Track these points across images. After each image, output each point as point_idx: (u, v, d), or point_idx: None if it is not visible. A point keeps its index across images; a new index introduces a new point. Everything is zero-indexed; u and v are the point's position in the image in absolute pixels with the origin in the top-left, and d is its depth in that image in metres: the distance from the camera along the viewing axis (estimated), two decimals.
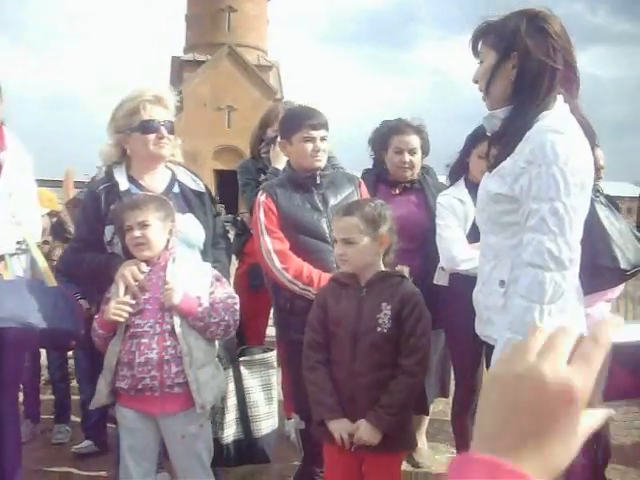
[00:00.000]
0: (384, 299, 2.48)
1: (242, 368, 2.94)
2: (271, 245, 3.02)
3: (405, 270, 2.59)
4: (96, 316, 2.69)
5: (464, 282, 3.23)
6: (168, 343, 2.52)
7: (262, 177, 4.16)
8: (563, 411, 0.61)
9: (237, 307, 2.69)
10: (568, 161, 1.91)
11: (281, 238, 3.05)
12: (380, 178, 3.75)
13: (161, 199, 2.70)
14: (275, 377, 3.00)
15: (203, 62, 38.91)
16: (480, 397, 0.66)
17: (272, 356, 3.02)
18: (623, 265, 2.42)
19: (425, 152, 3.76)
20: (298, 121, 3.15)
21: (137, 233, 2.58)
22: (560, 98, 2.05)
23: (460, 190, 3.46)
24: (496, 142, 2.16)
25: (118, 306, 2.53)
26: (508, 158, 2.05)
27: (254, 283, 4.01)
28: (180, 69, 39.75)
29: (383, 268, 2.58)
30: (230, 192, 20.12)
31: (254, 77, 39.80)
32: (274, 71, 42.26)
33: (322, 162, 3.15)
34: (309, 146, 3.10)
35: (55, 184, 7.54)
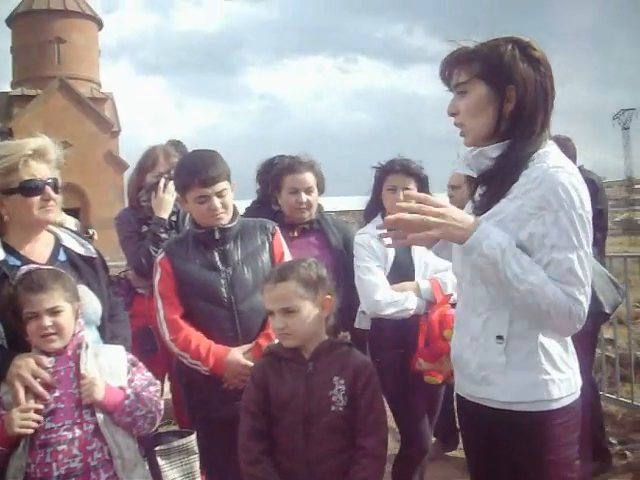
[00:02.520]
0: (335, 373, 2.19)
1: (159, 459, 2.45)
2: (162, 312, 2.81)
3: (347, 336, 2.33)
4: None
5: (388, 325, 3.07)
6: (93, 446, 2.13)
7: (144, 229, 3.78)
8: None
9: (159, 394, 2.34)
10: (584, 205, 1.79)
11: (174, 304, 2.81)
12: (276, 221, 3.51)
13: (63, 275, 2.28)
14: (198, 463, 2.60)
15: (33, 97, 36.60)
16: None
17: (192, 440, 2.60)
18: (607, 309, 2.33)
19: (321, 190, 3.56)
20: (188, 178, 2.82)
21: (47, 322, 2.16)
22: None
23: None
24: (486, 183, 1.96)
25: (24, 415, 2.07)
26: (505, 201, 1.87)
27: (145, 348, 3.59)
28: (9, 105, 37.20)
29: (326, 337, 2.30)
30: None
31: (89, 110, 37.91)
32: (109, 103, 40.68)
33: (224, 219, 2.83)
34: (204, 207, 2.79)
35: None
